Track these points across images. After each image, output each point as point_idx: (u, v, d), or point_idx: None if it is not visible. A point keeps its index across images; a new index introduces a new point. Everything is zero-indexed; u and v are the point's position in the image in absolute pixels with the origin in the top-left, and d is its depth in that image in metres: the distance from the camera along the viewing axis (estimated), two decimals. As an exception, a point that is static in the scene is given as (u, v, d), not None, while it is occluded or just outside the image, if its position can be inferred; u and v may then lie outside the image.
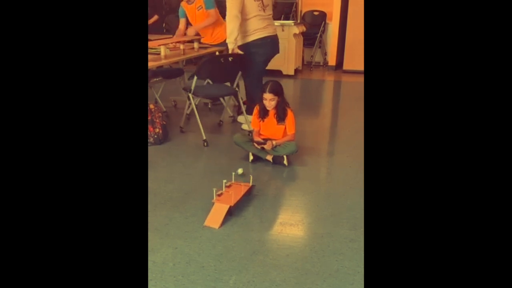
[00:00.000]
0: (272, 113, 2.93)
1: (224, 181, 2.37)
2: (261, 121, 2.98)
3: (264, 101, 2.88)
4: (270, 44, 3.46)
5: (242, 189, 2.35)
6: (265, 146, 2.84)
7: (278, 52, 3.61)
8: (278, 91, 2.87)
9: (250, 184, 2.44)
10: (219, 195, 2.26)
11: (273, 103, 2.87)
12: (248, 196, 2.39)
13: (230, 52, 3.37)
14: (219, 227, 2.08)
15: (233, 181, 2.42)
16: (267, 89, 2.85)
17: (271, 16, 3.50)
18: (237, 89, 3.51)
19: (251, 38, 3.41)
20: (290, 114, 2.92)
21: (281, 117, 2.91)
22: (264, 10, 3.38)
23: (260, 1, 3.34)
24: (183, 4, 4.05)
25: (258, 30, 3.38)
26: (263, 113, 2.96)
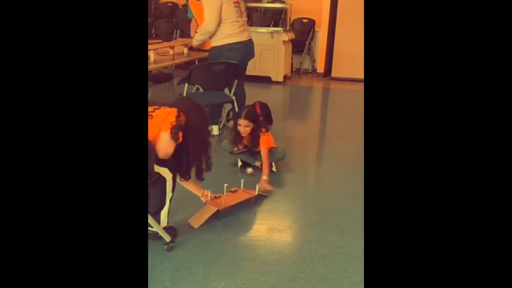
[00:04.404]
0: (247, 138, 2.83)
1: (226, 185, 2.36)
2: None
3: (239, 127, 2.78)
4: (242, 50, 3.51)
5: (240, 196, 2.34)
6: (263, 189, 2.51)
7: (253, 56, 3.69)
8: (254, 117, 2.77)
9: (256, 193, 2.40)
10: (216, 197, 2.26)
11: (248, 129, 2.76)
12: (250, 204, 2.37)
13: (194, 46, 3.58)
14: (198, 227, 2.09)
15: (225, 192, 2.37)
16: (243, 115, 2.74)
17: (246, 22, 3.62)
18: (233, 97, 3.49)
19: (225, 42, 3.47)
20: (263, 138, 2.78)
21: (255, 143, 2.81)
22: (241, 16, 3.49)
23: (238, 8, 3.45)
24: (190, 2, 4.01)
25: (232, 35, 3.45)
26: (237, 139, 2.86)
